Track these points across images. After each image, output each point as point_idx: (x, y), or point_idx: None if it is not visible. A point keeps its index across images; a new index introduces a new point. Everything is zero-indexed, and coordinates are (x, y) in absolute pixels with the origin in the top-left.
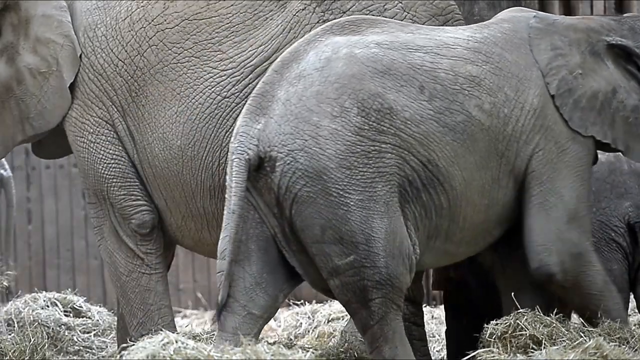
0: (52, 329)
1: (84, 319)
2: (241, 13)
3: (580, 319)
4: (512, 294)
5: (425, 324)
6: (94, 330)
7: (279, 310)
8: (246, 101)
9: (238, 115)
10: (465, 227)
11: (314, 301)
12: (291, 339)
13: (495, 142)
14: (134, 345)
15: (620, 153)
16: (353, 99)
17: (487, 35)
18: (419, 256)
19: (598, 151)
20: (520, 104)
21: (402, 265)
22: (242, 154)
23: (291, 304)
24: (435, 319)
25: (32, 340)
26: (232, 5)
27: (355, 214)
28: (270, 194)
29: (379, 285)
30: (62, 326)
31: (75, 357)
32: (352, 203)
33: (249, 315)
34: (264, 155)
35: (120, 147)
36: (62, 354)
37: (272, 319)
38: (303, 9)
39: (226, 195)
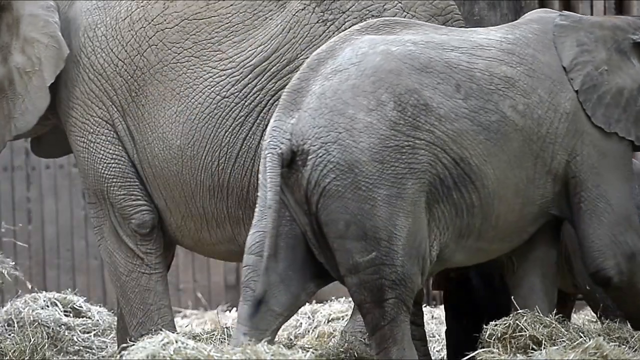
0: (52, 329)
1: (84, 319)
2: (241, 13)
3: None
4: (520, 294)
5: (425, 324)
6: (94, 330)
7: None
8: (245, 101)
9: (237, 115)
10: (498, 225)
11: (314, 301)
12: (291, 339)
13: (529, 142)
14: (134, 345)
15: None
16: (390, 92)
17: (519, 36)
18: (452, 254)
19: None
20: (553, 106)
21: (417, 266)
22: (275, 149)
23: None
24: (435, 319)
25: (32, 340)
26: (231, 5)
27: (381, 209)
28: (300, 191)
29: (394, 285)
30: (62, 326)
31: (75, 357)
32: (379, 198)
33: (269, 311)
34: (297, 149)
35: (120, 147)
36: (62, 354)
37: None
38: (302, 9)
39: (259, 192)
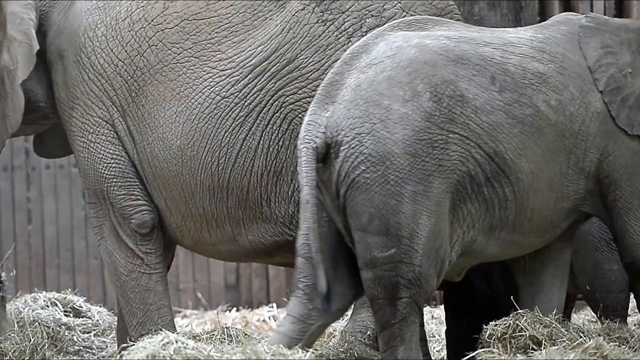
0: (52, 329)
1: (84, 319)
2: (240, 13)
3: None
4: (529, 292)
5: (425, 324)
6: (94, 330)
7: (279, 310)
8: (245, 101)
9: (237, 115)
10: (533, 219)
11: None
12: None
13: (562, 138)
14: (134, 345)
15: None
16: (426, 83)
17: (548, 36)
18: (483, 247)
19: None
20: (584, 104)
21: (434, 268)
22: (310, 142)
23: None
24: (435, 319)
25: (32, 340)
26: (231, 5)
27: (406, 206)
28: (332, 184)
29: (409, 284)
30: (62, 326)
31: (75, 357)
32: (406, 194)
33: (315, 309)
34: (331, 141)
35: (120, 147)
36: (62, 354)
37: (273, 319)
38: (302, 9)
39: (300, 189)
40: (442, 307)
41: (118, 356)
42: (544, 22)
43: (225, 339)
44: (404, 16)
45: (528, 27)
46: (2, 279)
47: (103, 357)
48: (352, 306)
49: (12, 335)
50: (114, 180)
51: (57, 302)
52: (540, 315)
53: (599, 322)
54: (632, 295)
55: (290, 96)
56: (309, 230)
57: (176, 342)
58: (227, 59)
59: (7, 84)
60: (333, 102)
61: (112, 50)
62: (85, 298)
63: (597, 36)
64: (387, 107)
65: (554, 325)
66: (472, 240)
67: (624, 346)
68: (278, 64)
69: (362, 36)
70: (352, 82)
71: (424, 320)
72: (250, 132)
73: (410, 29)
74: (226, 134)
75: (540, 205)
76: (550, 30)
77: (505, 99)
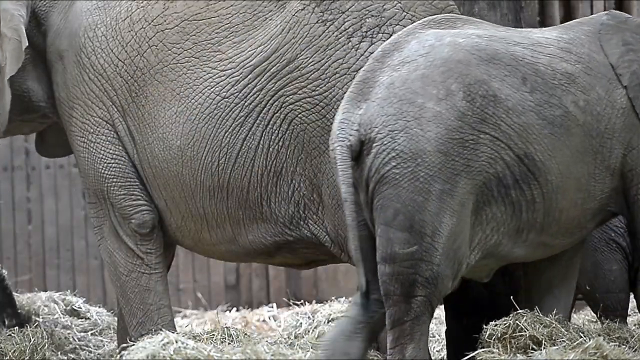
0: (52, 329)
1: (84, 319)
2: (240, 13)
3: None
4: (538, 292)
5: None
6: (93, 330)
7: (279, 310)
8: (245, 101)
9: (237, 116)
10: (561, 220)
11: (314, 301)
12: (291, 339)
13: (589, 138)
14: (134, 345)
15: None
16: (460, 82)
17: (573, 37)
18: (510, 250)
19: None
20: (610, 103)
21: (451, 269)
22: (344, 141)
23: (291, 304)
24: (435, 319)
25: (32, 340)
26: (231, 5)
27: (432, 204)
28: (363, 182)
29: (426, 282)
30: (62, 327)
31: (73, 356)
32: (433, 192)
33: (375, 301)
34: (365, 138)
35: (120, 147)
36: (61, 353)
37: (272, 319)
38: (302, 9)
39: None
40: (442, 307)
41: (118, 356)
42: (567, 23)
43: (225, 339)
44: (404, 16)
45: (552, 27)
46: (2, 273)
47: (100, 354)
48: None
49: (12, 335)
50: (114, 180)
51: (56, 302)
52: (540, 315)
53: (599, 322)
54: (632, 295)
55: (290, 96)
56: (349, 229)
57: (176, 342)
58: (227, 59)
59: (0, 80)
60: (366, 99)
61: (112, 51)
62: (84, 299)
63: (618, 34)
64: (421, 105)
65: (554, 325)
66: (497, 243)
67: (624, 346)
68: (278, 64)
69: (362, 36)
70: (385, 80)
71: None
72: (250, 132)
73: (441, 26)
74: (226, 134)
75: (568, 206)
76: (574, 31)
77: (536, 99)
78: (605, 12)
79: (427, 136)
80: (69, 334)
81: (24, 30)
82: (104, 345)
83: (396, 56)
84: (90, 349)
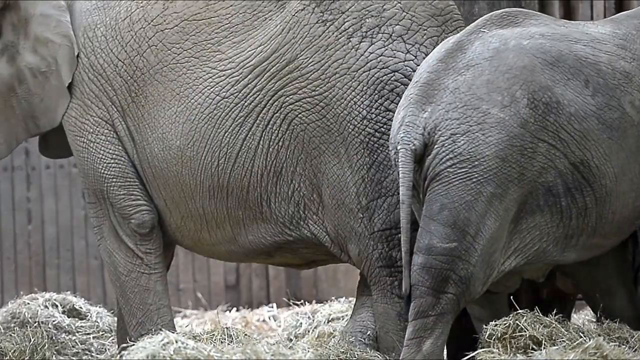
0: (52, 329)
1: (84, 320)
2: (240, 13)
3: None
4: (604, 293)
5: None
6: (93, 330)
7: (279, 310)
8: (245, 101)
9: (237, 116)
10: (614, 220)
11: (314, 301)
12: (291, 339)
13: None
14: (133, 345)
15: None
16: (524, 89)
17: (626, 32)
18: (560, 255)
19: None
20: None
21: (484, 272)
22: (408, 144)
23: (291, 304)
24: None
25: (32, 340)
26: (231, 5)
27: (480, 205)
28: (421, 182)
29: (460, 281)
30: (62, 327)
31: (74, 358)
32: (484, 194)
33: None
34: (428, 141)
35: (120, 147)
36: (61, 354)
37: (272, 319)
38: (302, 9)
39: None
40: None
41: (118, 356)
42: (615, 16)
43: (225, 339)
44: (404, 16)
45: (602, 21)
46: None
47: (102, 358)
48: (353, 306)
49: (12, 335)
50: (114, 180)
51: (56, 302)
52: (540, 315)
53: (599, 322)
54: None
55: (290, 96)
56: (403, 231)
57: (176, 342)
58: (227, 59)
59: (34, 85)
60: (431, 102)
61: (111, 51)
62: (84, 299)
63: None
64: (485, 112)
65: (554, 325)
66: (541, 251)
67: (624, 346)
68: (278, 64)
69: (362, 36)
70: (450, 84)
71: None
72: (250, 132)
73: (503, 24)
74: (226, 134)
75: (621, 207)
76: (625, 26)
77: (597, 103)
78: None
79: (488, 141)
80: (71, 336)
81: (74, 37)
82: (105, 350)
83: (460, 58)
84: (92, 353)
